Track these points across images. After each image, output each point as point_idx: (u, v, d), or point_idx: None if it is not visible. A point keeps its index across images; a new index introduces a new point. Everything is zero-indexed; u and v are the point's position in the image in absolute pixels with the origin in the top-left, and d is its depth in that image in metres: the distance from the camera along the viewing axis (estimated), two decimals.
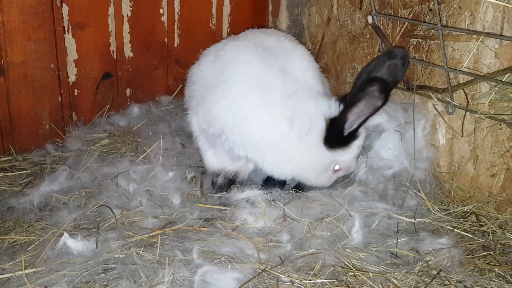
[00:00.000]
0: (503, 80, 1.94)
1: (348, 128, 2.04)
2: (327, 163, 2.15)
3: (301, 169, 2.16)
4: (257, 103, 2.08)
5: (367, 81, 1.96)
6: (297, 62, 2.21)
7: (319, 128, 2.09)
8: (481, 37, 2.00)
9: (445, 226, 2.01)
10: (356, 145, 2.14)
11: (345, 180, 2.36)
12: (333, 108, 2.10)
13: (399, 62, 2.08)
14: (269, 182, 2.33)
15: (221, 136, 2.16)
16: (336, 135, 2.07)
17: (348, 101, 2.03)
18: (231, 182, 2.27)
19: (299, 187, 2.28)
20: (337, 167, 2.18)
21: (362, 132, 2.15)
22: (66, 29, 2.72)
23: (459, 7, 2.09)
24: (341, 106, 2.08)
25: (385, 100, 1.93)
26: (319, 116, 2.09)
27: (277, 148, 2.09)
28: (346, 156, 2.15)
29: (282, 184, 2.34)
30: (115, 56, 2.92)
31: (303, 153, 2.10)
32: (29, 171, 2.53)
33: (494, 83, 1.98)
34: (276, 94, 2.08)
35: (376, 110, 1.97)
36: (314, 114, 2.09)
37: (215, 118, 2.15)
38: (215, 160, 2.29)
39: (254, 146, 2.12)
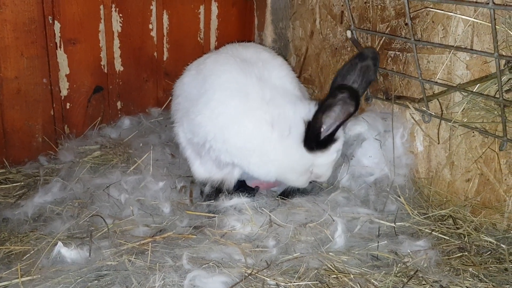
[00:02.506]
0: (474, 90, 2.05)
1: (325, 131, 2.14)
2: (307, 165, 2.23)
3: (283, 170, 2.24)
4: (237, 110, 2.17)
5: (338, 88, 2.06)
6: (274, 71, 2.31)
7: (299, 131, 2.17)
8: (452, 50, 2.11)
9: (423, 229, 2.09)
10: (334, 148, 2.23)
11: (329, 187, 2.45)
12: (312, 112, 2.18)
13: (370, 63, 2.21)
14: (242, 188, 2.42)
15: (205, 145, 2.24)
16: (314, 138, 2.16)
17: (320, 104, 2.11)
18: (218, 190, 2.34)
19: (285, 194, 2.37)
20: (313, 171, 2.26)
21: (340, 136, 2.24)
22: (58, 45, 2.80)
23: (433, 22, 2.21)
24: None
25: (357, 106, 2.04)
26: (298, 119, 2.18)
27: (260, 152, 2.18)
28: (324, 159, 2.23)
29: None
30: (106, 70, 3.00)
31: (284, 154, 2.19)
32: (23, 183, 2.58)
33: (466, 93, 2.09)
34: (255, 100, 2.17)
35: (349, 115, 2.07)
36: (293, 117, 2.18)
37: (198, 127, 2.24)
38: (202, 169, 2.36)
39: (238, 151, 2.20)
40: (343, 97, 2.01)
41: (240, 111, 2.17)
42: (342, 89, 2.04)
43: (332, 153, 2.23)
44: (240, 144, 2.18)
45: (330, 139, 2.19)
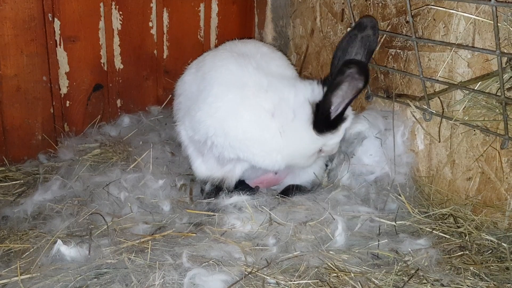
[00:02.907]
0: (475, 88, 2.04)
1: (334, 111, 2.09)
2: (317, 148, 2.20)
3: (292, 156, 2.19)
4: (234, 102, 2.15)
5: (345, 64, 1.98)
6: (272, 62, 2.30)
7: (305, 113, 2.12)
8: (454, 47, 2.11)
9: (424, 228, 2.09)
10: (344, 127, 2.20)
11: (329, 185, 2.44)
12: (317, 92, 2.14)
13: (370, 32, 2.16)
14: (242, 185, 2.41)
15: (207, 142, 2.23)
16: (324, 120, 2.11)
17: (329, 84, 2.05)
18: (218, 188, 2.34)
19: (285, 192, 2.36)
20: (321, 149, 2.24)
21: (349, 114, 2.20)
22: (58, 42, 2.79)
23: (434, 19, 2.20)
24: (325, 89, 2.12)
25: (366, 81, 1.98)
26: (301, 101, 2.13)
27: (261, 141, 2.14)
28: (334, 139, 2.21)
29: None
30: (105, 68, 3.00)
31: (292, 140, 2.14)
32: (22, 181, 2.58)
33: (467, 91, 2.08)
34: (251, 89, 2.15)
35: (359, 91, 2.01)
36: (294, 100, 2.14)
37: (198, 123, 2.22)
38: (204, 167, 2.35)
39: (240, 144, 2.17)
40: (351, 72, 1.94)
41: (237, 103, 2.15)
42: (349, 64, 1.96)
43: (341, 133, 2.21)
44: (240, 136, 2.16)
45: (339, 119, 2.14)
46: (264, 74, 2.20)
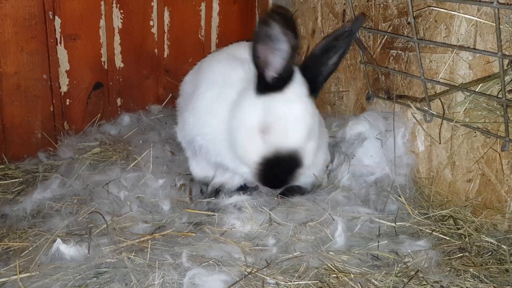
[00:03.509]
0: (476, 90, 2.04)
1: (272, 69, 1.91)
2: (254, 112, 1.99)
3: (233, 128, 2.04)
4: (211, 100, 2.14)
5: (270, 15, 1.80)
6: None
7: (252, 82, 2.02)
8: (455, 49, 2.11)
9: (424, 229, 2.08)
10: (292, 92, 1.95)
11: (329, 186, 2.44)
12: None
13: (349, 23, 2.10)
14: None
15: (194, 143, 2.22)
16: (260, 79, 1.95)
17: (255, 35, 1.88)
18: (218, 190, 2.33)
19: (285, 193, 2.36)
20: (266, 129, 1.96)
21: (298, 78, 1.99)
22: (58, 40, 2.79)
23: (435, 21, 2.20)
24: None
25: (295, 37, 1.80)
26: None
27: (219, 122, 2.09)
28: (278, 104, 1.95)
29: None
30: (106, 67, 2.99)
31: (236, 111, 2.04)
32: (21, 179, 2.57)
33: (468, 93, 2.08)
34: (236, 86, 2.10)
35: (294, 50, 1.84)
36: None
37: (186, 123, 2.24)
38: (198, 168, 2.36)
39: (220, 144, 2.12)
40: (274, 33, 1.79)
41: (215, 101, 2.13)
42: (274, 15, 1.78)
43: (289, 100, 1.95)
44: (212, 134, 2.12)
45: (281, 78, 1.93)
46: (251, 74, 2.17)
